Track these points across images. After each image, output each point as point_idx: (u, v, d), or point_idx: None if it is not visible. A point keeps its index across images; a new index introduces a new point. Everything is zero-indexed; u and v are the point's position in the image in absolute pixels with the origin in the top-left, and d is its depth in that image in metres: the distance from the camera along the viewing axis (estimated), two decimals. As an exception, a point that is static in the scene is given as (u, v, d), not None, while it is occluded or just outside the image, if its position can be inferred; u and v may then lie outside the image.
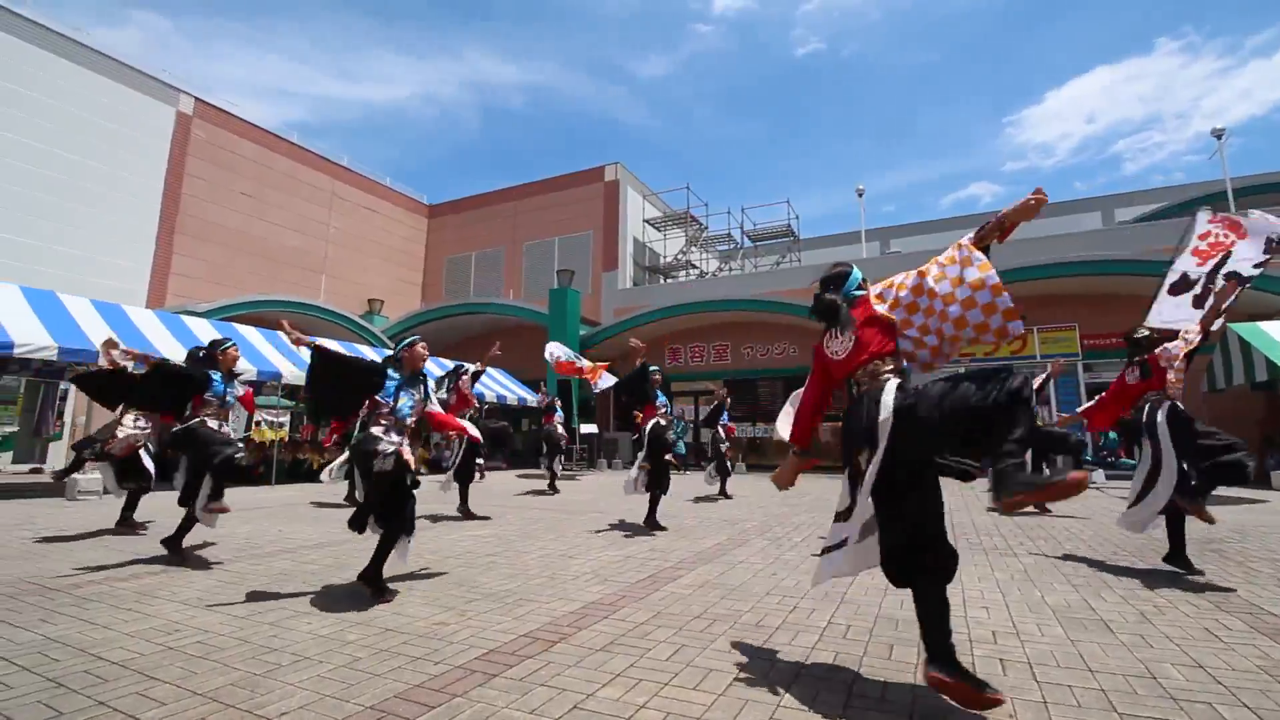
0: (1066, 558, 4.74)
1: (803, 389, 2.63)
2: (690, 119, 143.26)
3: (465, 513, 7.13)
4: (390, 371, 3.91)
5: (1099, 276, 13.55)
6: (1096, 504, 8.37)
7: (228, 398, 5.00)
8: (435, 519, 6.93)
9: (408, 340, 4.06)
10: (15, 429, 15.02)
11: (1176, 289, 4.58)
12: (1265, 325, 10.73)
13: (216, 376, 4.95)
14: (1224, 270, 4.65)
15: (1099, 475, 11.84)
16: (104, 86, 17.90)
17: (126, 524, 5.84)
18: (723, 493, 9.50)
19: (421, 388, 3.99)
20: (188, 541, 4.83)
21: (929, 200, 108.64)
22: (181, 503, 4.71)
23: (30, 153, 16.13)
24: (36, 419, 14.95)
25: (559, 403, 11.50)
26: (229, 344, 5.17)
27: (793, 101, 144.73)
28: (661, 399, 6.79)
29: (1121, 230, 17.61)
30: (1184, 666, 2.46)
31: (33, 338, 8.47)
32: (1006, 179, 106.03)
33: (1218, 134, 17.18)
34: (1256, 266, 4.50)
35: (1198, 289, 4.62)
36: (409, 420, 3.81)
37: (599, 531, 6.12)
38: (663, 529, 6.17)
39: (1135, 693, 2.21)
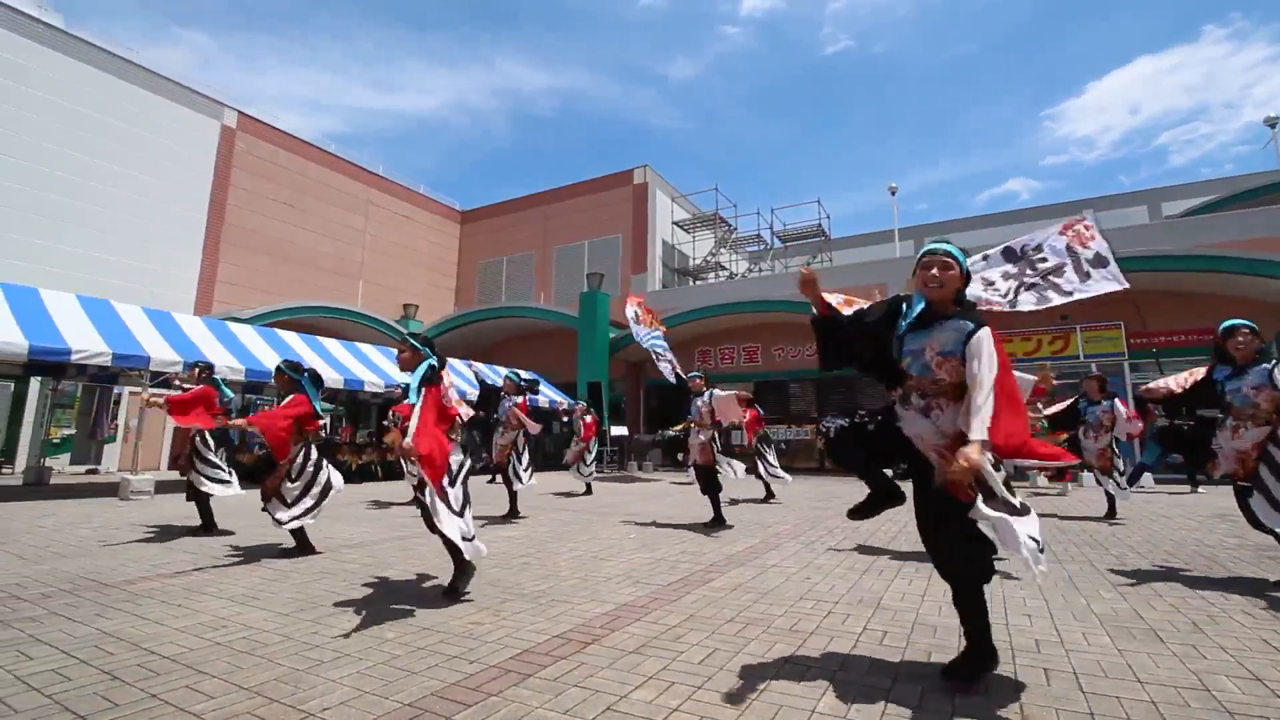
0: (1113, 564, 4.59)
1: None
2: (719, 121, 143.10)
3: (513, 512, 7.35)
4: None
5: (1146, 273, 13.08)
6: (1144, 509, 8.08)
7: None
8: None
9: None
10: (73, 431, 15.72)
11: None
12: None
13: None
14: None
15: (1147, 479, 11.40)
16: (153, 103, 18.67)
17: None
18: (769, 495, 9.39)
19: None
20: (254, 540, 5.00)
21: (964, 198, 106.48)
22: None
23: (83, 167, 16.89)
24: (92, 422, 15.62)
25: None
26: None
27: (823, 101, 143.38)
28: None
29: (1170, 224, 16.98)
30: (1240, 679, 2.36)
31: (89, 344, 8.85)
32: (1045, 173, 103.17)
33: (1271, 123, 16.49)
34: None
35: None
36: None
37: (630, 534, 6.14)
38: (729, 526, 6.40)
39: (1188, 705, 2.13)
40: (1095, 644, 2.78)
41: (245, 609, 3.35)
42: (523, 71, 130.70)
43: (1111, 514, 7.14)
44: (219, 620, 3.14)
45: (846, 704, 2.15)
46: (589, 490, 10.41)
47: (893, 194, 22.50)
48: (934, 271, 2.38)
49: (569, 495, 10.17)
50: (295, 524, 4.75)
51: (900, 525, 6.39)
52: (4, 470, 14.03)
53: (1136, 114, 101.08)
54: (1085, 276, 5.05)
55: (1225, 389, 4.03)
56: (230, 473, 6.12)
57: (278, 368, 5.09)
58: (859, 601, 3.53)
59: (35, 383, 14.25)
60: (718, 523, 6.50)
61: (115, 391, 15.61)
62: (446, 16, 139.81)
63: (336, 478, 5.06)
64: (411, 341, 3.81)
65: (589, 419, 10.63)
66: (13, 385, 14.57)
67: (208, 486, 5.87)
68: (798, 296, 17.49)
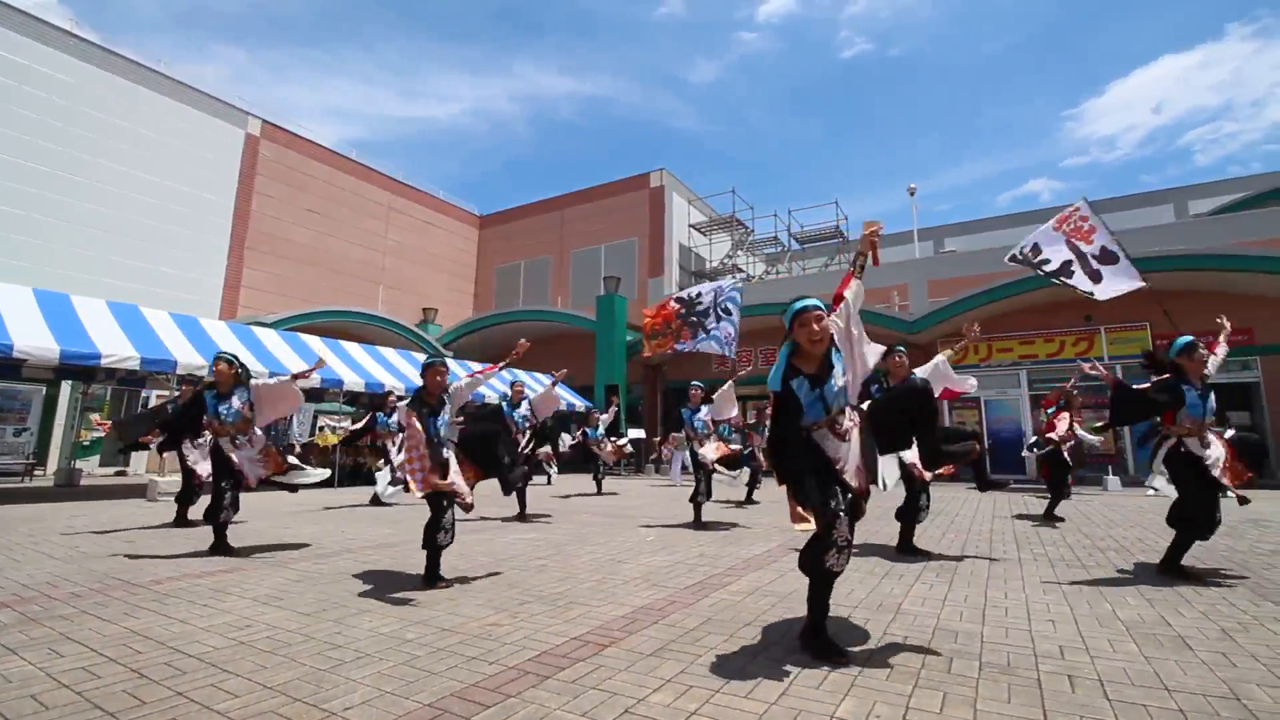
0: (1140, 570, 4.50)
1: None
2: (739, 123, 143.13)
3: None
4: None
5: (1173, 272, 12.80)
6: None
7: (224, 416, 5.27)
8: (487, 520, 7.07)
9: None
10: (102, 434, 16.08)
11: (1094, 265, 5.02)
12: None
13: (208, 396, 5.32)
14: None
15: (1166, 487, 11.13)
16: (178, 111, 19.11)
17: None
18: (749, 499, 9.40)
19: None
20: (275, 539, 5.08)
21: (985, 199, 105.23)
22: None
23: (110, 175, 17.33)
24: (121, 425, 15.98)
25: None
26: (219, 361, 5.38)
27: (842, 104, 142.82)
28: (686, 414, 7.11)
29: (1198, 223, 16.61)
30: (1271, 687, 2.30)
31: (118, 349, 9.06)
32: (1066, 174, 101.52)
33: (1305, 118, 16.05)
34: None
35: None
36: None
37: (648, 536, 6.13)
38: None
39: (1217, 715, 2.08)
40: (1121, 651, 2.73)
41: (269, 609, 3.41)
42: (543, 77, 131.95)
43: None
44: (244, 620, 3.19)
45: (866, 709, 2.13)
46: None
47: (911, 195, 22.28)
48: (814, 327, 2.73)
49: (585, 496, 10.20)
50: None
51: (920, 530, 6.31)
52: (36, 472, 14.38)
53: (1160, 113, 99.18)
54: (1096, 276, 4.87)
55: (1205, 407, 4.21)
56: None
57: (219, 356, 5.33)
58: (878, 607, 3.49)
59: (66, 386, 14.62)
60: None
61: (143, 395, 15.95)
62: (471, 26, 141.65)
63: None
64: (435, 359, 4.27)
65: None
66: (44, 389, 14.95)
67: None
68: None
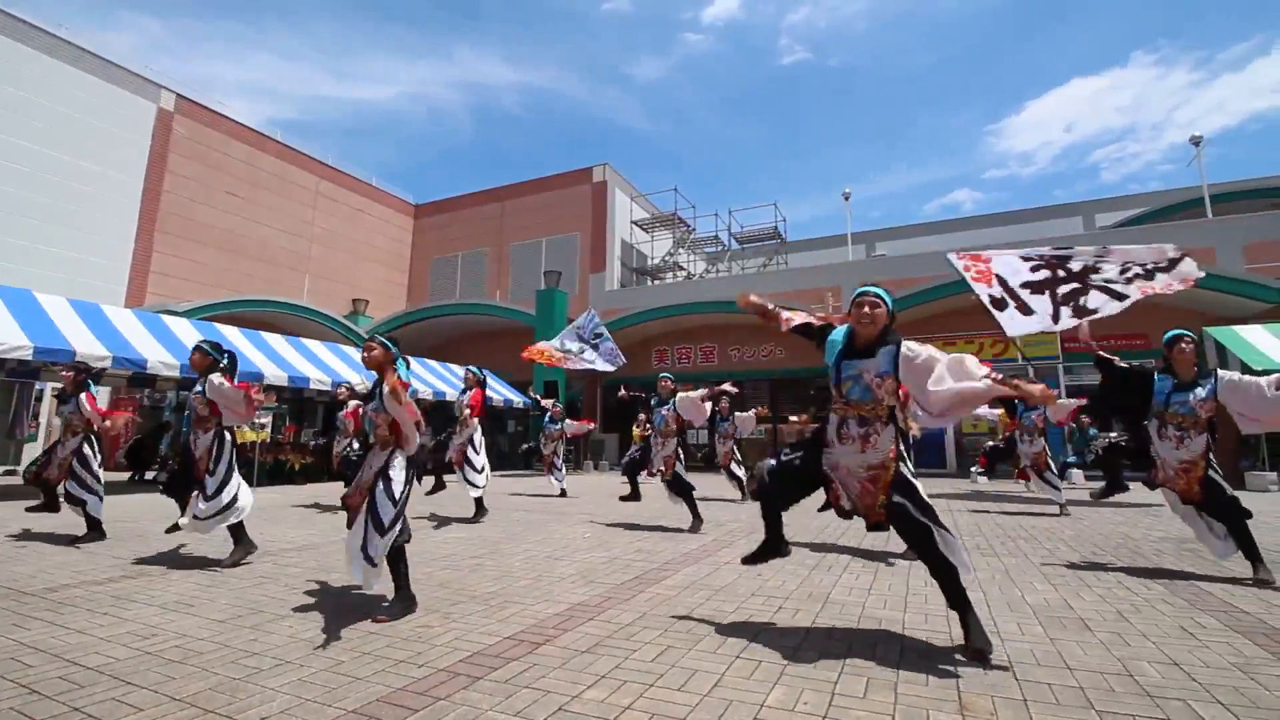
0: (1046, 557, 4.81)
1: None
2: (683, 123, 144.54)
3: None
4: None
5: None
6: (1074, 506, 8.48)
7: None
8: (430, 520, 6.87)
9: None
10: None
11: (1000, 305, 5.31)
12: (1240, 329, 10.93)
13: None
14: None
15: (1076, 476, 11.99)
16: (80, 81, 17.62)
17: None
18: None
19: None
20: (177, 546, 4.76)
21: (914, 206, 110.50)
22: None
23: (3, 147, 15.82)
24: (11, 420, 14.67)
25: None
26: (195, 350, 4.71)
27: (782, 109, 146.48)
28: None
29: (1103, 235, 17.88)
30: (1160, 664, 2.50)
31: (7, 337, 8.30)
32: (988, 185, 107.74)
33: (1196, 141, 17.49)
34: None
35: (1014, 302, 5.42)
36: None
37: (585, 533, 6.11)
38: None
39: (1113, 690, 2.24)
40: (1029, 633, 2.91)
41: (178, 616, 3.20)
42: (486, 65, 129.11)
43: (1061, 510, 7.51)
44: (149, 629, 2.99)
45: (794, 697, 2.18)
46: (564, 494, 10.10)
47: (846, 199, 22.99)
48: (865, 310, 2.77)
49: (530, 496, 10.07)
50: (218, 521, 4.40)
51: (852, 522, 6.55)
52: (-90, 471, 13.04)
53: (1072, 131, 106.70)
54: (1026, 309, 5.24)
55: (1171, 401, 4.16)
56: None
57: (197, 345, 4.62)
58: (808, 596, 3.60)
59: (-54, 378, 13.29)
60: (698, 522, 6.41)
61: (37, 387, 14.69)
62: (410, 7, 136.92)
63: (245, 492, 4.65)
64: (381, 340, 3.55)
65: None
66: (-80, 380, 13.56)
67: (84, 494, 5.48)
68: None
